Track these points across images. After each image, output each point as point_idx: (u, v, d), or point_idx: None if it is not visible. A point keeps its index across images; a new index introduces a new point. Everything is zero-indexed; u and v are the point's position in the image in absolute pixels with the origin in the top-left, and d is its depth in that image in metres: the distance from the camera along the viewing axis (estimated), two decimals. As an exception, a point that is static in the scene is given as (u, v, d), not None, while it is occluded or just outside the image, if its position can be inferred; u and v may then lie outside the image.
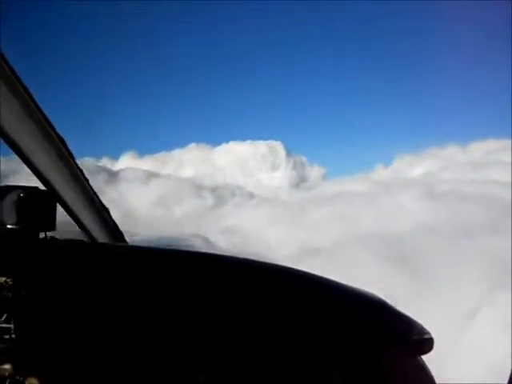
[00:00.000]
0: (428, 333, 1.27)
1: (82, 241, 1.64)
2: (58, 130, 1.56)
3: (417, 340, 1.26)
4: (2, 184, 1.55)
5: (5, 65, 1.20)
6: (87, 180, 1.76)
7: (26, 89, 1.34)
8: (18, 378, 1.26)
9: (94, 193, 1.80)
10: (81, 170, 1.71)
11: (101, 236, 1.91)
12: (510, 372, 1.31)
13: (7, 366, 1.27)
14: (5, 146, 1.42)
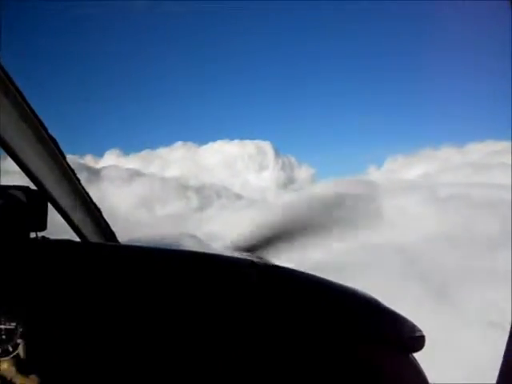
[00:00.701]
0: (420, 330, 1.31)
1: (73, 241, 1.67)
2: (49, 130, 1.61)
3: (408, 338, 1.31)
4: None
5: None
6: (79, 180, 1.81)
7: (17, 89, 1.38)
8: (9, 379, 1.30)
9: (86, 192, 1.84)
10: (72, 170, 1.76)
11: (92, 236, 1.95)
12: (497, 372, 1.38)
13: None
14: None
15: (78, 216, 1.86)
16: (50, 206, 1.64)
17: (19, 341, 1.32)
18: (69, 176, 1.73)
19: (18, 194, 1.52)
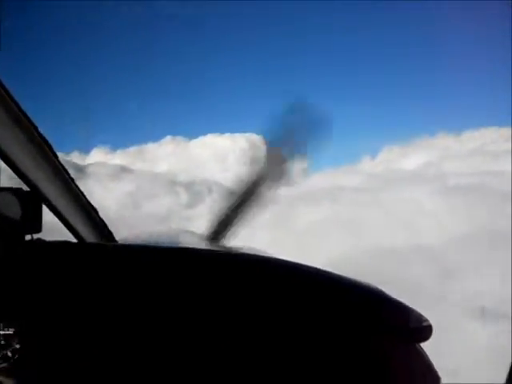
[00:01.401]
0: (426, 320, 1.34)
1: (70, 242, 1.67)
2: (40, 130, 1.61)
3: (415, 328, 1.33)
4: None
5: None
6: (73, 179, 1.80)
7: (6, 90, 1.38)
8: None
9: (81, 192, 1.85)
10: (66, 170, 1.76)
11: (89, 236, 1.96)
12: (508, 371, 1.41)
13: None
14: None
15: (73, 216, 1.87)
16: (44, 207, 1.64)
17: (18, 346, 1.33)
18: (62, 176, 1.73)
19: (11, 196, 1.53)
